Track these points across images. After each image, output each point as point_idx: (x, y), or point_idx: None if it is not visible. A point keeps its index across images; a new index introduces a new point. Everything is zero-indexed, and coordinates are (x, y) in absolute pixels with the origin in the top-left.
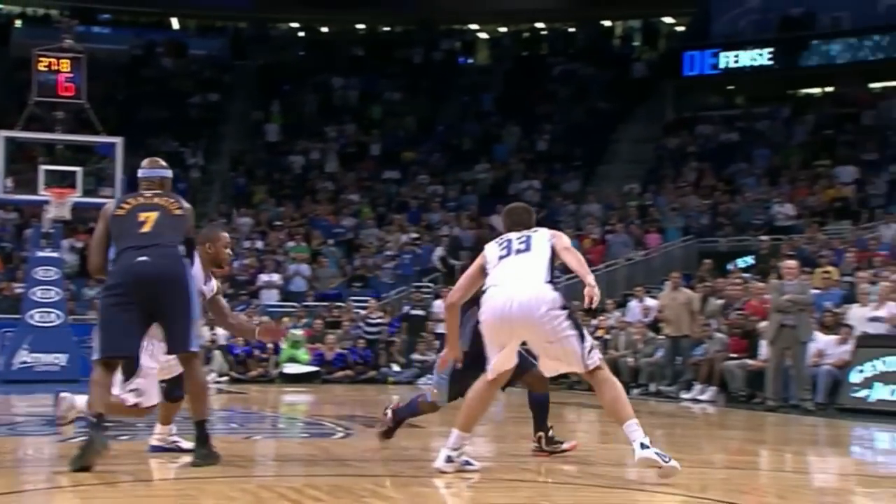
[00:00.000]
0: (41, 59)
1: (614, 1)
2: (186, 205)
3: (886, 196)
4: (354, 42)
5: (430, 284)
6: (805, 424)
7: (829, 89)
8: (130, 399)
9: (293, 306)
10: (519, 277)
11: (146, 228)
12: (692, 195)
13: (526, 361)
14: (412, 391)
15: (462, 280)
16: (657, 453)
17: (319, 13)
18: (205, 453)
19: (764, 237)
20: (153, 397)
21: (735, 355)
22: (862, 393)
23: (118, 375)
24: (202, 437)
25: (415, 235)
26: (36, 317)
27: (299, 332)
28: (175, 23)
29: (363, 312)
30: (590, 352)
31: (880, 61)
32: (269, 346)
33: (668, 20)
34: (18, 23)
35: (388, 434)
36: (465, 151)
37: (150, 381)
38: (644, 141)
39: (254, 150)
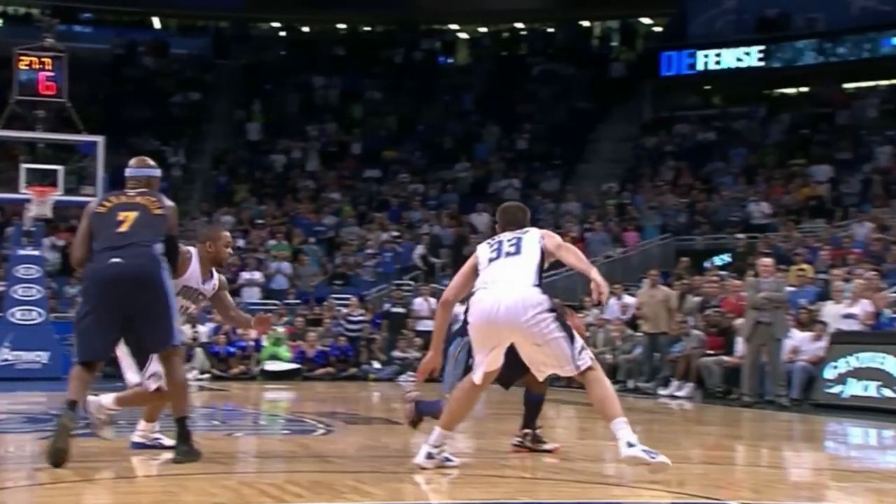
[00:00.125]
0: (22, 57)
1: (593, 2)
2: (169, 203)
3: (860, 195)
4: (336, 42)
5: (410, 282)
6: (780, 420)
7: (805, 89)
8: (152, 384)
9: (275, 304)
10: (507, 280)
11: (123, 228)
12: (670, 194)
13: None
14: (392, 388)
15: (456, 279)
16: (644, 450)
17: (301, 13)
18: (186, 450)
19: (740, 235)
20: None
21: (712, 352)
22: (836, 389)
23: (131, 362)
24: (183, 434)
25: (395, 234)
26: (17, 315)
27: (281, 330)
28: (157, 22)
29: (344, 310)
30: (580, 352)
31: (854, 62)
32: (251, 343)
33: (646, 21)
34: None
35: (415, 424)
36: (445, 150)
37: None
38: (622, 140)
39: (235, 148)
